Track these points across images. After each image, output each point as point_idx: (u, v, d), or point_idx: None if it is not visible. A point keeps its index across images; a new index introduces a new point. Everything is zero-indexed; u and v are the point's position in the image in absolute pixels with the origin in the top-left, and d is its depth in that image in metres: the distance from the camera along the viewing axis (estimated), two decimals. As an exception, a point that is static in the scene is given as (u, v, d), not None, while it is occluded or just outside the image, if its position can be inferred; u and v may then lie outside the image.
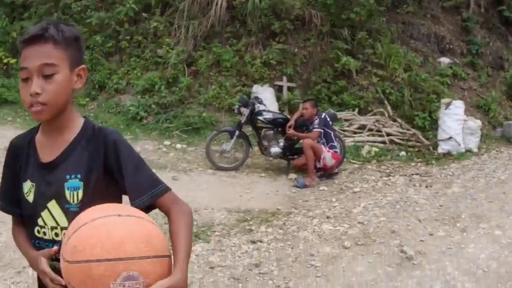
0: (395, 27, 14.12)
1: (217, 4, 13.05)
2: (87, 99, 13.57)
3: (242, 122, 9.94)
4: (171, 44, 13.25)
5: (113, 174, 2.08)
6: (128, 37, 13.82)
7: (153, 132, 11.91)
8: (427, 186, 9.17)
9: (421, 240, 6.64)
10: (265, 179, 9.63)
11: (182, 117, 12.09)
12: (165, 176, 8.79)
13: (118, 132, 2.17)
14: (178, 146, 11.20)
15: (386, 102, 12.46)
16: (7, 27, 15.78)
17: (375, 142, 11.42)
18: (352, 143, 11.13)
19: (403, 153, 11.19)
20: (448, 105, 11.67)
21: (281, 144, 9.82)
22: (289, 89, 12.86)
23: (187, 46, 13.11)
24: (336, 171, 9.66)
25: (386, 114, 12.20)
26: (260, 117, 9.91)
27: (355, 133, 11.69)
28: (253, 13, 12.90)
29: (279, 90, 12.75)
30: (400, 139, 11.66)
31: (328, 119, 9.54)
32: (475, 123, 11.93)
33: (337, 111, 11.84)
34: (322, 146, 9.34)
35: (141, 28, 13.82)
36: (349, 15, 12.71)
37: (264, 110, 10.24)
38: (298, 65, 13.07)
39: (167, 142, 11.36)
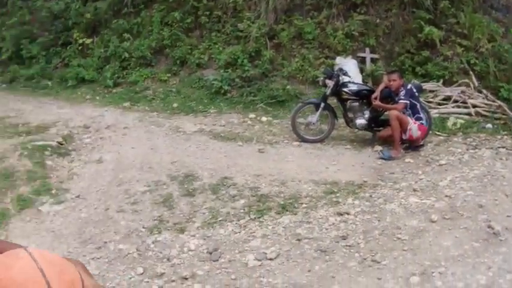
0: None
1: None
2: (168, 74, 14.40)
3: (327, 94, 10.23)
4: (252, 18, 13.80)
5: None
6: (207, 12, 14.45)
7: (238, 105, 12.55)
8: (514, 160, 9.00)
9: (507, 216, 6.62)
10: (351, 151, 9.87)
11: (266, 90, 12.65)
12: (251, 149, 9.65)
13: None
14: (264, 118, 11.73)
15: (471, 73, 12.50)
16: (80, 9, 16.69)
17: (460, 114, 11.53)
18: (437, 115, 11.29)
19: (489, 125, 11.18)
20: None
21: (366, 115, 10.05)
22: (372, 60, 13.18)
23: (269, 19, 13.60)
24: (422, 143, 9.74)
25: (471, 85, 12.30)
26: (345, 89, 10.15)
27: (439, 104, 11.84)
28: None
29: (361, 61, 13.08)
30: (486, 111, 11.70)
31: (414, 90, 9.64)
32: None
33: (422, 82, 12.01)
34: (408, 117, 9.47)
35: (220, 3, 14.40)
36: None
37: (349, 82, 10.47)
38: (380, 35, 13.32)
39: (252, 115, 11.93)
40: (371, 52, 13.18)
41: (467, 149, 9.72)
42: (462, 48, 12.72)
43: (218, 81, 13.03)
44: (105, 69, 15.29)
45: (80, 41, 16.43)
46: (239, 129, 11.13)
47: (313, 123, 10.31)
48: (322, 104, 10.19)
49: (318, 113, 10.23)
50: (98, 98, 14.40)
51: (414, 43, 12.91)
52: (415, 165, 8.98)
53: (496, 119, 11.55)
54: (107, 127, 11.39)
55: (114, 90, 14.61)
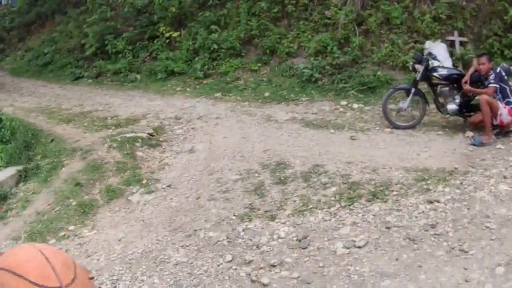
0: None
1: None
2: (259, 64, 15.58)
3: (417, 79, 10.74)
4: (338, 4, 14.85)
5: None
6: (294, 1, 15.59)
7: (329, 93, 13.51)
8: None
9: None
10: (442, 137, 10.16)
11: (357, 76, 13.54)
12: (342, 136, 10.31)
13: None
14: (355, 105, 12.45)
15: None
16: (164, 3, 18.04)
17: None
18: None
19: None
20: None
21: (457, 100, 10.37)
22: (461, 43, 13.84)
23: (355, 6, 14.60)
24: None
25: None
26: (435, 74, 10.60)
27: None
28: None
29: (451, 45, 13.76)
30: None
31: (504, 74, 9.84)
32: None
33: (511, 65, 12.14)
34: (499, 102, 9.68)
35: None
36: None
37: (439, 66, 10.98)
38: (467, 18, 13.97)
39: (344, 102, 12.71)
40: (459, 35, 13.81)
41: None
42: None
43: (309, 69, 14.01)
44: (195, 61, 16.56)
45: (167, 35, 17.88)
46: (331, 117, 11.72)
47: (404, 109, 10.82)
48: (413, 90, 10.70)
49: (409, 98, 10.72)
50: (188, 89, 15.56)
51: (501, 25, 13.45)
52: (506, 151, 9.10)
53: None
54: (199, 118, 12.24)
55: (205, 81, 15.81)
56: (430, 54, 11.17)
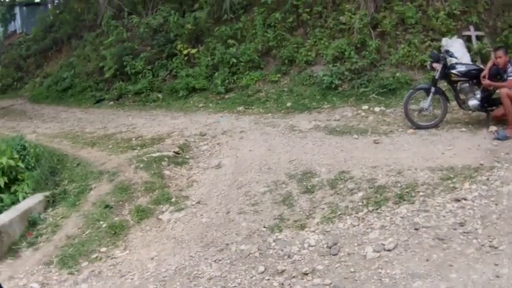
0: None
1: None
2: (279, 75, 15.72)
3: (436, 77, 10.76)
4: (352, 9, 14.97)
5: None
6: (308, 9, 15.79)
7: (350, 98, 13.59)
8: None
9: None
10: (466, 133, 10.18)
11: (376, 80, 13.66)
12: (366, 141, 10.37)
13: None
14: (377, 109, 12.55)
15: None
16: (179, 21, 18.37)
17: None
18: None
19: None
20: None
21: (478, 96, 10.37)
22: (478, 37, 13.89)
23: (369, 9, 14.73)
24: None
25: None
26: (453, 71, 10.60)
27: None
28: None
29: (468, 40, 13.80)
30: None
31: None
32: None
33: None
34: None
35: (320, -1, 15.57)
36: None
37: (457, 63, 10.92)
38: (481, 12, 14.04)
39: (365, 106, 12.80)
40: (475, 30, 13.86)
41: None
42: None
43: (328, 76, 14.12)
44: (215, 77, 16.75)
45: (185, 52, 18.11)
46: (353, 122, 11.79)
47: (426, 109, 10.84)
48: (433, 89, 10.72)
49: (430, 98, 10.75)
50: (211, 105, 15.69)
51: None
52: (531, 143, 9.04)
53: None
54: (223, 132, 12.29)
55: (227, 96, 15.98)
56: (447, 51, 11.21)
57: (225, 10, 17.51)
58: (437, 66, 10.83)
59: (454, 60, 11.14)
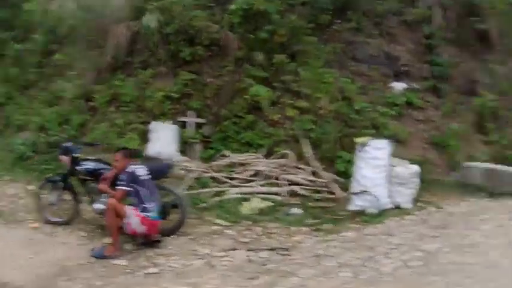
0: (332, 47, 13.46)
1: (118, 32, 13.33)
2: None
3: (66, 172, 9.81)
4: (71, 78, 13.65)
5: None
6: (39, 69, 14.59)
7: (35, 173, 12.12)
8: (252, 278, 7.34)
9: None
10: (82, 240, 9.12)
11: None
12: None
13: None
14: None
15: (304, 140, 11.84)
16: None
17: (269, 194, 10.73)
18: (239, 195, 10.59)
19: (295, 210, 10.25)
20: (363, 145, 10.60)
21: (105, 199, 8.90)
22: (199, 125, 12.56)
23: (86, 80, 13.44)
24: (158, 238, 8.84)
25: (294, 157, 11.60)
26: (79, 168, 9.62)
27: (248, 181, 11.11)
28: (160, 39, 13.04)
29: (183, 126, 12.48)
30: (309, 188, 10.98)
31: (140, 174, 8.76)
32: (407, 170, 10.55)
33: (245, 151, 11.67)
34: (129, 208, 8.53)
35: (52, 60, 14.46)
36: (260, 35, 12.45)
37: (86, 159, 9.86)
38: (209, 97, 12.76)
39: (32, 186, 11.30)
40: (197, 116, 12.59)
41: (219, 250, 8.59)
42: (298, 111, 12.14)
43: (24, 146, 12.81)
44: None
45: None
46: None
47: (54, 204, 9.85)
48: (61, 184, 9.81)
49: (58, 193, 9.83)
50: None
51: (245, 105, 12.33)
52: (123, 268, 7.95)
53: (317, 200, 10.78)
54: None
55: None
56: (77, 142, 10.53)
57: None
58: (65, 159, 9.82)
59: (85, 155, 10.03)
